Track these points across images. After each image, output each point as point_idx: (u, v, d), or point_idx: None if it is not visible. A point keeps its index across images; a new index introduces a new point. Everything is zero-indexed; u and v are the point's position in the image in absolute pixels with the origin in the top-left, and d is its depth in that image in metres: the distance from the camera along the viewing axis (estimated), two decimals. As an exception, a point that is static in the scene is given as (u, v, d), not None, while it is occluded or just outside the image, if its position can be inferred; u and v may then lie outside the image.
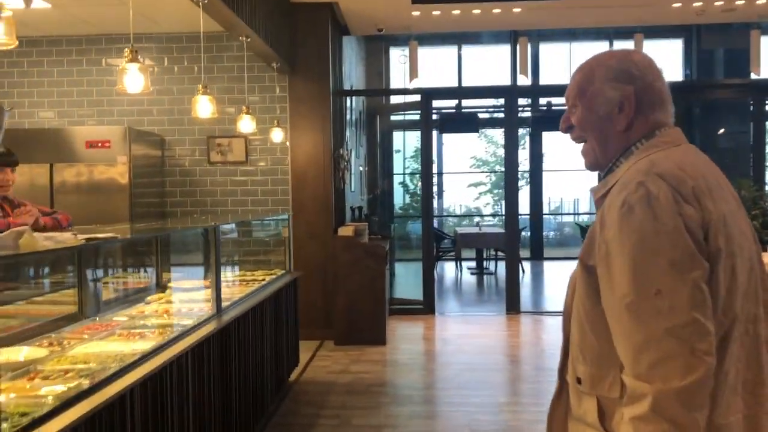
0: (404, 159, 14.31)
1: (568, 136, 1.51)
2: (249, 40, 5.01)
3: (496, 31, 10.14)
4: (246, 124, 5.06)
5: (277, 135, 6.00)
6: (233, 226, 5.32)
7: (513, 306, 7.81)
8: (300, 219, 6.51)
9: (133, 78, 2.94)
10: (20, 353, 2.48)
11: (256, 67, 6.49)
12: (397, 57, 11.33)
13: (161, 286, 4.29)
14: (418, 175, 13.16)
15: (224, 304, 3.56)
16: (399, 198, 15.05)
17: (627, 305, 1.22)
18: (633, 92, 1.38)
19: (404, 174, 14.49)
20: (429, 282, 7.86)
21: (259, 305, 3.97)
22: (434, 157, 15.65)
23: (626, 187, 1.27)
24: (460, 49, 11.92)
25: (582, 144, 1.48)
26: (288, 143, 6.55)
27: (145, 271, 5.03)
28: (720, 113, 10.75)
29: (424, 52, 13.25)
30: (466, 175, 17.64)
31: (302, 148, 6.55)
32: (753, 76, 7.82)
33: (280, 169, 6.64)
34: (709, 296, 1.21)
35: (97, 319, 3.18)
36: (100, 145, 5.82)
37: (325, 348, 6.24)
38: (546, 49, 11.65)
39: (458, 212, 17.94)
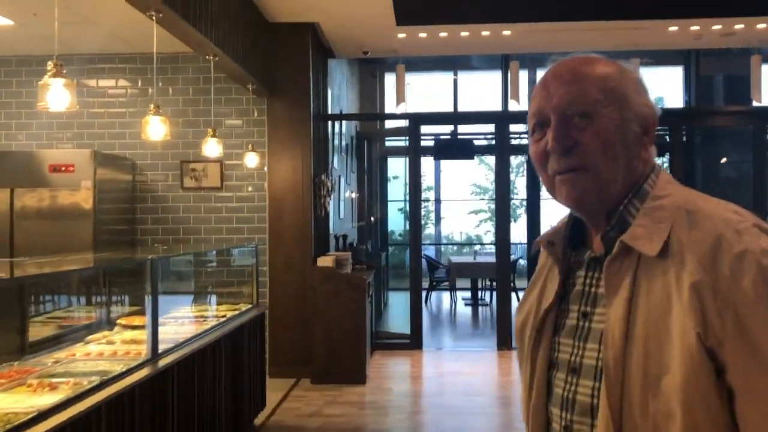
0: (405, 185, 14.03)
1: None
2: (217, 59, 4.72)
3: (491, 56, 9.87)
4: (212, 148, 4.74)
5: (251, 159, 5.69)
6: (183, 257, 4.96)
7: (504, 341, 7.41)
8: (277, 248, 6.18)
9: (57, 94, 2.63)
10: None
11: (233, 90, 6.21)
12: (391, 83, 11.10)
13: (111, 324, 3.94)
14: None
15: (166, 346, 3.20)
16: (399, 225, 14.74)
17: None
18: (656, 113, 1.07)
19: (405, 201, 14.20)
20: (417, 315, 7.48)
21: (211, 345, 3.61)
22: (432, 184, 15.48)
23: (741, 234, 0.92)
24: (455, 74, 11.69)
25: (567, 173, 1.06)
26: (266, 168, 6.24)
27: (101, 305, 4.69)
28: (721, 141, 10.44)
29: (420, 78, 13.05)
30: (466, 203, 17.34)
31: (280, 174, 6.23)
32: (754, 103, 7.54)
33: (257, 195, 6.32)
34: None
35: (15, 364, 2.83)
36: (63, 169, 5.51)
37: (300, 387, 5.85)
38: (542, 75, 11.39)
39: (459, 240, 17.62)
